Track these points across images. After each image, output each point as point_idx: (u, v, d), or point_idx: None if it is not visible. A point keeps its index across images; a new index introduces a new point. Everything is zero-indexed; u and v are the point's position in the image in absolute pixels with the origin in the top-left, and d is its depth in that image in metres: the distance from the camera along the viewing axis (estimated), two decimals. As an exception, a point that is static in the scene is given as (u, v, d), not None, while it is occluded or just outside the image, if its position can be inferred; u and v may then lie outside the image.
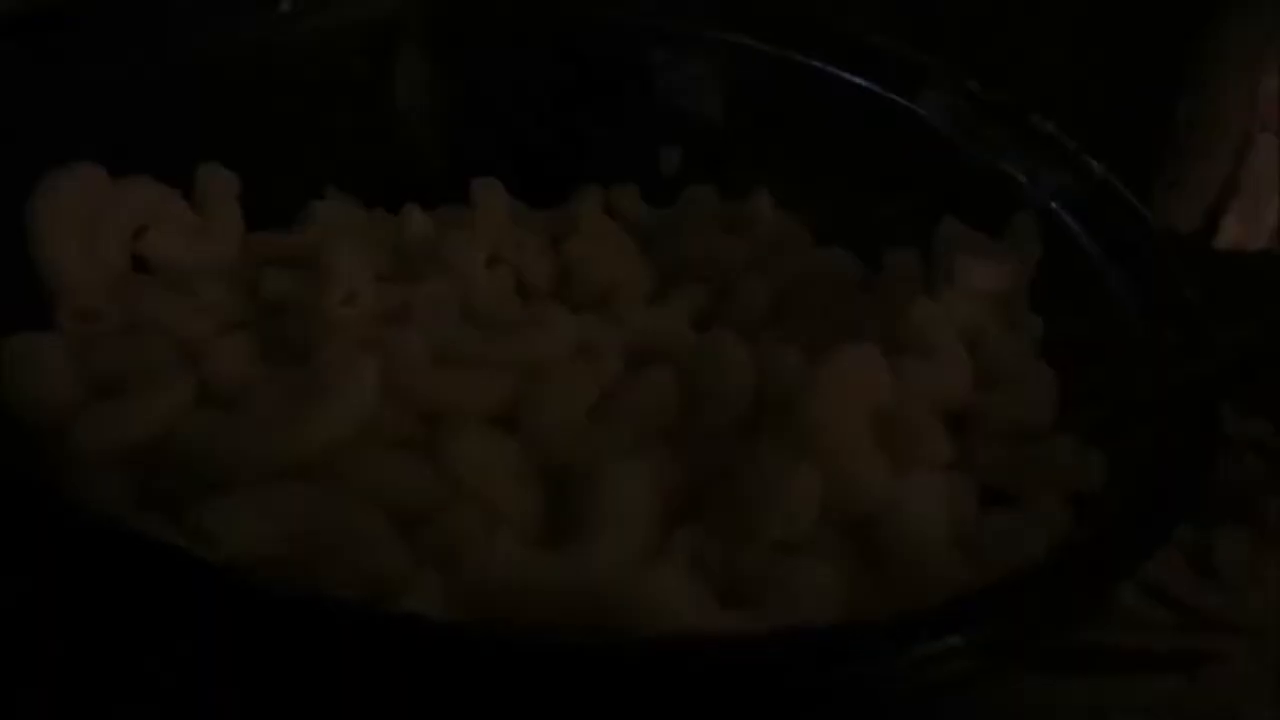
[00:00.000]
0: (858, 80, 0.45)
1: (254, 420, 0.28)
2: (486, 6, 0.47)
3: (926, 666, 0.20)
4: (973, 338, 0.35)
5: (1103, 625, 0.38)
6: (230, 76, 0.39)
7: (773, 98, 0.46)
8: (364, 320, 0.34)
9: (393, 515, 0.27)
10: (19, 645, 0.25)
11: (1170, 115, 0.70)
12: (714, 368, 0.32)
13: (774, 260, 0.42)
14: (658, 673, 0.19)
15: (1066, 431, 0.32)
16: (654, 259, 0.43)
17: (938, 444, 0.30)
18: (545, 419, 0.31)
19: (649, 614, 0.24)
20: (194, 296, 0.34)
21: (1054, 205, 0.40)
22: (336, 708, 0.20)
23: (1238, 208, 0.78)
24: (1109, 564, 0.23)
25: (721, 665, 0.20)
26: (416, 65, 0.46)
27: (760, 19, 0.47)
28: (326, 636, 0.19)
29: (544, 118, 0.47)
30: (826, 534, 0.28)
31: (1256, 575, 0.41)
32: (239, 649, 0.20)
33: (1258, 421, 0.47)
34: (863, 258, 0.43)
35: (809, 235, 0.44)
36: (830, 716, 0.21)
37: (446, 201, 0.42)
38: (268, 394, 0.29)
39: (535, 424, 0.31)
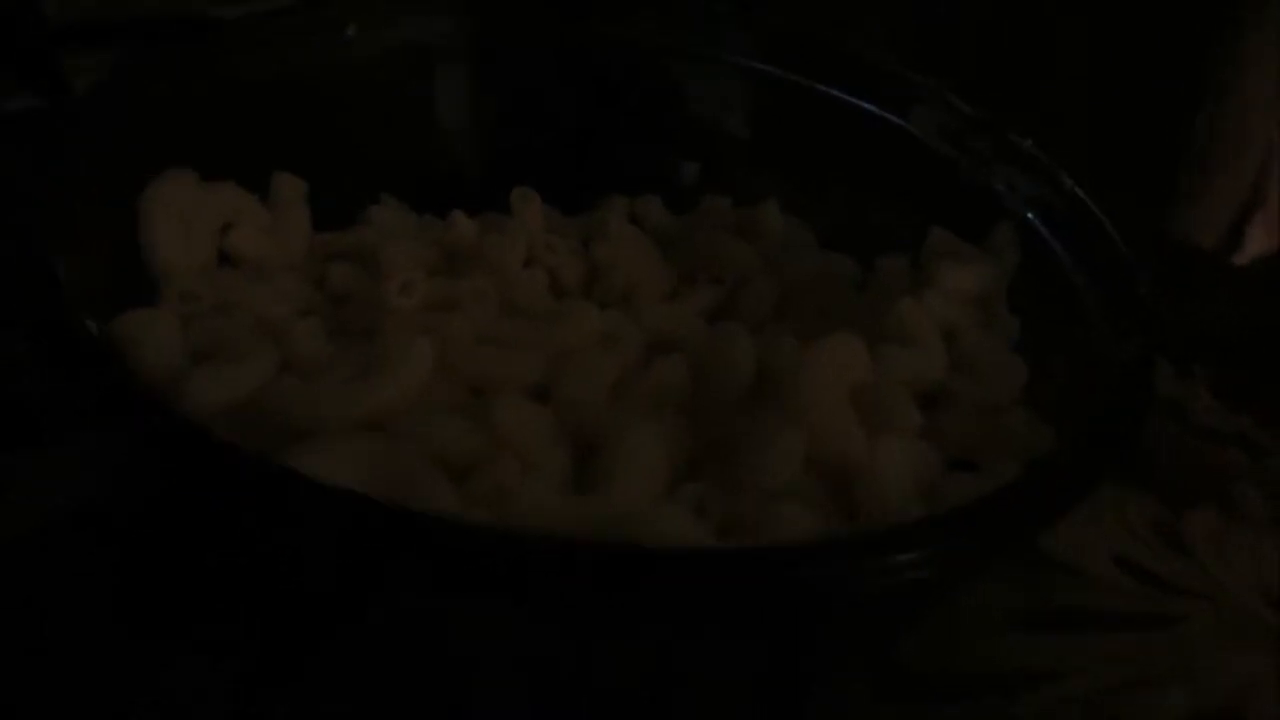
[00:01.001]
0: (856, 100, 0.50)
1: (328, 385, 0.33)
2: (524, 34, 0.52)
3: (889, 571, 0.25)
4: (951, 331, 0.40)
5: (1074, 589, 0.42)
6: (301, 94, 0.45)
7: (780, 116, 0.51)
8: (418, 308, 0.39)
9: (445, 466, 0.32)
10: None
11: (1189, 128, 0.71)
12: (721, 354, 0.37)
13: (780, 262, 0.47)
14: (672, 574, 0.24)
15: (1025, 409, 0.37)
16: (672, 261, 0.48)
17: (908, 415, 0.35)
18: (573, 392, 0.36)
19: (659, 542, 0.29)
20: (271, 285, 0.39)
21: (1030, 215, 0.45)
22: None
23: (1262, 219, 0.78)
24: (1040, 500, 0.28)
25: (715, 571, 0.25)
26: (461, 85, 0.51)
27: (771, 43, 0.51)
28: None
29: (575, 134, 0.52)
30: (809, 487, 0.33)
31: (1223, 549, 0.45)
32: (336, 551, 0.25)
33: (1241, 418, 0.51)
34: (860, 261, 0.47)
35: (813, 240, 0.49)
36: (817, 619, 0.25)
37: (487, 209, 0.47)
38: (339, 365, 0.34)
39: (564, 396, 0.36)
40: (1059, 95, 0.70)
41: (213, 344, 0.34)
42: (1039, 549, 0.43)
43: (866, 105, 0.50)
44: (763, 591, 0.24)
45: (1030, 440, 0.35)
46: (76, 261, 0.32)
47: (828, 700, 0.36)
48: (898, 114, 0.49)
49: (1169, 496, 0.46)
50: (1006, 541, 0.28)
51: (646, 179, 0.51)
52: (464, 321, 0.38)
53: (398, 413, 0.33)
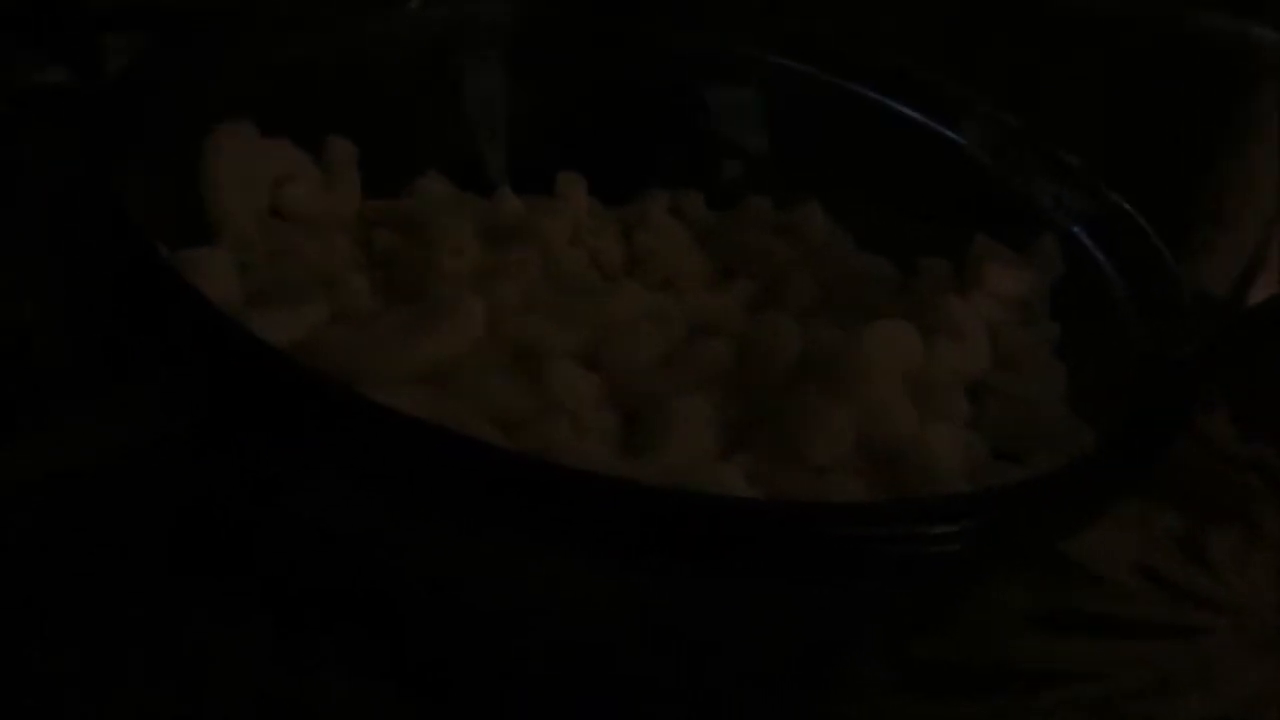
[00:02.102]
0: (906, 110, 0.50)
1: (381, 336, 0.33)
2: (571, 28, 0.52)
3: (930, 541, 0.25)
4: (994, 330, 0.40)
5: (1096, 594, 0.43)
6: (358, 62, 0.45)
7: (825, 122, 0.51)
8: (468, 273, 0.39)
9: (496, 422, 0.32)
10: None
11: (1205, 179, 0.72)
12: (766, 335, 0.37)
13: (820, 260, 0.47)
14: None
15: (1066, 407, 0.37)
16: (712, 255, 0.48)
17: (958, 403, 0.35)
18: (622, 360, 0.36)
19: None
20: (323, 240, 0.39)
21: (1075, 229, 0.45)
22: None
23: (1265, 280, 0.80)
24: (1081, 490, 0.28)
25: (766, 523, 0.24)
26: (507, 72, 0.52)
27: (821, 52, 0.52)
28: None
29: (620, 128, 0.52)
30: (859, 463, 0.33)
31: (1245, 567, 0.45)
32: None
33: (1260, 446, 0.51)
34: (899, 267, 0.48)
35: (852, 243, 0.49)
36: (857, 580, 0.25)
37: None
38: (391, 318, 0.34)
39: (613, 363, 0.36)
40: (1075, 144, 0.71)
41: (268, 289, 0.34)
42: (1062, 553, 0.43)
43: (914, 114, 0.50)
44: (822, 547, 0.24)
45: (1071, 437, 0.35)
46: (140, 209, 0.32)
47: (848, 682, 0.36)
48: (946, 126, 0.50)
49: (1193, 514, 0.47)
50: (1059, 518, 0.27)
51: (688, 177, 0.51)
52: (514, 287, 0.38)
53: (450, 368, 0.33)
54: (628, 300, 0.40)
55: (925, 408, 0.34)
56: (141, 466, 0.35)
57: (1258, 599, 0.44)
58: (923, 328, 0.38)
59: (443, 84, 0.50)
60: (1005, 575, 0.37)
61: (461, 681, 0.33)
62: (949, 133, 0.49)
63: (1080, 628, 0.41)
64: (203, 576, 0.33)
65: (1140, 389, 0.35)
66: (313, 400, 0.25)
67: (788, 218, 0.50)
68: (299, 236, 0.38)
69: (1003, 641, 0.39)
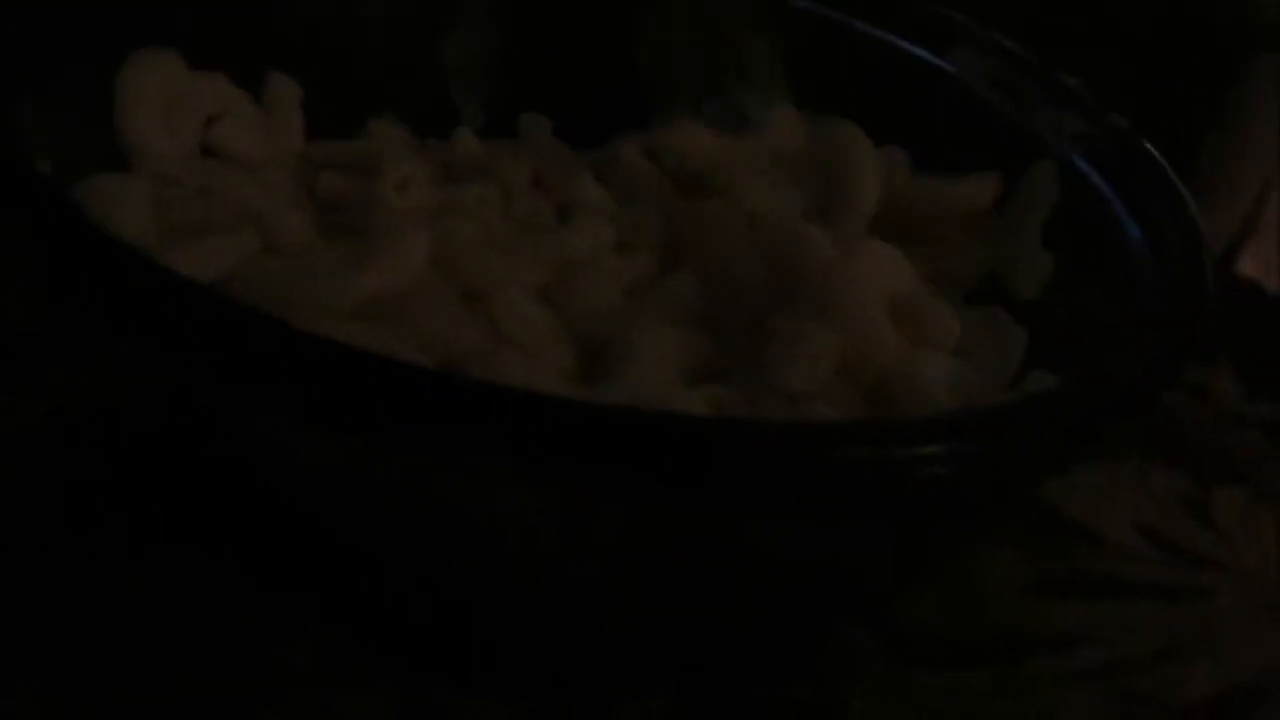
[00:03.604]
0: (890, 37, 0.47)
1: (314, 268, 0.30)
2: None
3: (916, 462, 0.22)
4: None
5: (1094, 555, 0.40)
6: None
7: (810, 52, 0.48)
8: (415, 209, 0.36)
9: (440, 359, 0.29)
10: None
11: (1199, 150, 0.71)
12: (736, 263, 0.34)
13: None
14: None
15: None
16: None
17: (950, 327, 0.32)
18: (581, 295, 0.33)
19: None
20: (259, 178, 0.36)
21: (1075, 156, 0.42)
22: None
23: (1254, 250, 0.79)
24: (1074, 413, 0.25)
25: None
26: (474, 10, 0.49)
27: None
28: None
29: (588, 68, 0.50)
30: (841, 391, 0.30)
31: (1250, 527, 0.43)
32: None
33: (1262, 404, 0.49)
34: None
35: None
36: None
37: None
38: (329, 252, 0.31)
39: (572, 299, 0.33)
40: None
41: (189, 224, 0.31)
42: (1058, 512, 0.41)
43: (902, 43, 0.47)
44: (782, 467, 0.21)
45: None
46: (44, 138, 0.29)
47: (834, 652, 0.34)
48: (935, 53, 0.47)
49: (1196, 473, 0.45)
50: (1065, 438, 0.24)
51: (664, 116, 0.49)
52: (466, 223, 0.35)
53: (391, 302, 0.30)
54: (591, 236, 0.37)
55: (912, 331, 0.31)
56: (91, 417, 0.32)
57: (1264, 561, 0.41)
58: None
59: (404, 23, 0.47)
60: (995, 520, 0.34)
61: (434, 643, 0.31)
62: (937, 60, 0.46)
63: (1080, 591, 0.38)
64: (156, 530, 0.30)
65: (1144, 322, 0.32)
66: (230, 327, 0.22)
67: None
68: (232, 174, 0.35)
69: (998, 607, 0.37)
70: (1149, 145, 0.42)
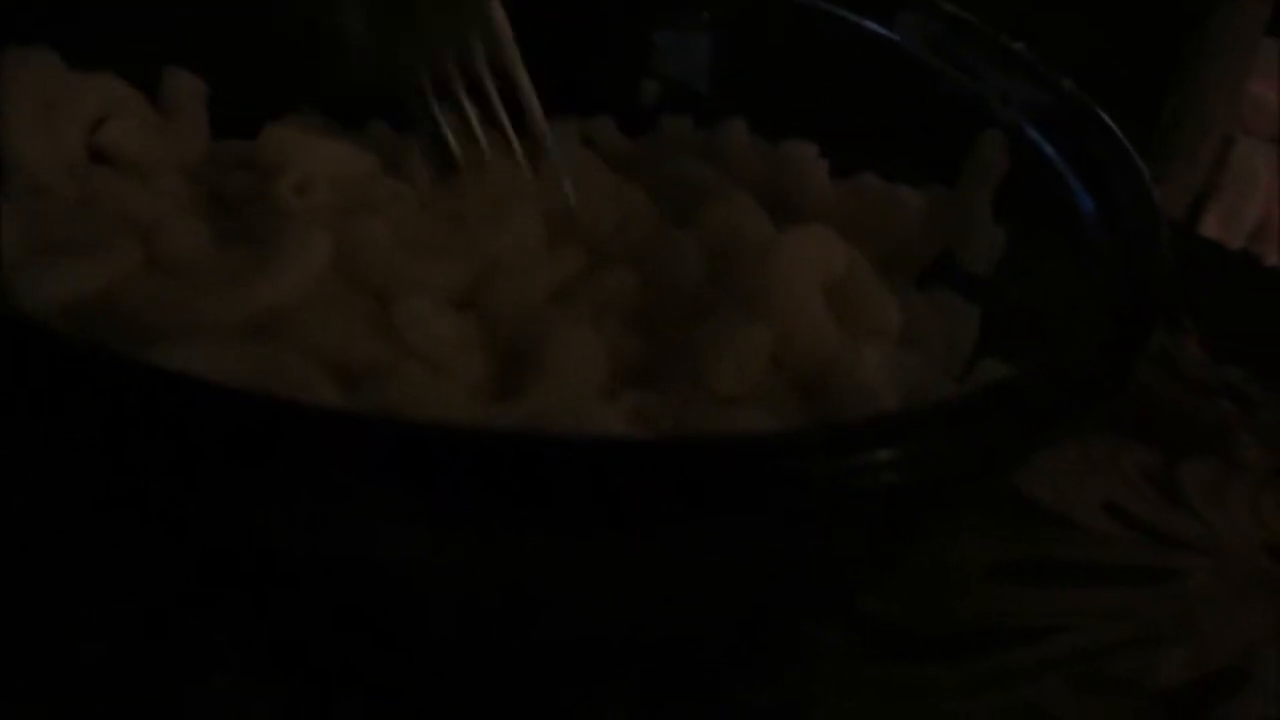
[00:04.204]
0: (831, 5, 0.45)
1: (200, 282, 0.28)
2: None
3: (859, 472, 0.20)
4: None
5: (1063, 540, 0.38)
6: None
7: (749, 25, 0.46)
8: (318, 210, 0.33)
9: (338, 375, 0.27)
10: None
11: (1159, 112, 0.70)
12: (668, 256, 0.32)
13: (744, 181, 0.41)
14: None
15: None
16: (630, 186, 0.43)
17: (888, 314, 0.29)
18: (501, 298, 0.30)
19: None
20: (150, 185, 0.33)
21: (1024, 124, 0.40)
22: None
23: (1217, 207, 0.79)
24: (1023, 413, 0.23)
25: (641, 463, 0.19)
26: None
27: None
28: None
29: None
30: (776, 392, 0.27)
31: (1222, 501, 0.42)
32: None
33: (1231, 368, 0.48)
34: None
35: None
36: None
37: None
38: (216, 263, 0.29)
39: (491, 302, 0.30)
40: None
41: (64, 238, 0.29)
42: (1025, 496, 0.40)
43: (843, 10, 0.45)
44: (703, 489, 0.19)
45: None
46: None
47: (799, 649, 0.32)
48: (878, 20, 0.44)
49: (1164, 446, 0.43)
50: (1007, 440, 0.22)
51: (601, 100, 0.46)
52: (378, 224, 0.32)
53: (286, 315, 0.28)
54: (518, 231, 0.34)
55: (850, 320, 0.29)
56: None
57: (1238, 535, 0.40)
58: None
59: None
60: (953, 518, 0.32)
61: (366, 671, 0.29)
62: (880, 27, 0.44)
63: (1051, 578, 0.37)
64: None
65: (1101, 298, 0.30)
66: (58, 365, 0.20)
67: (712, 138, 0.44)
68: (118, 182, 0.33)
69: (964, 598, 0.35)
70: (1101, 111, 0.40)
